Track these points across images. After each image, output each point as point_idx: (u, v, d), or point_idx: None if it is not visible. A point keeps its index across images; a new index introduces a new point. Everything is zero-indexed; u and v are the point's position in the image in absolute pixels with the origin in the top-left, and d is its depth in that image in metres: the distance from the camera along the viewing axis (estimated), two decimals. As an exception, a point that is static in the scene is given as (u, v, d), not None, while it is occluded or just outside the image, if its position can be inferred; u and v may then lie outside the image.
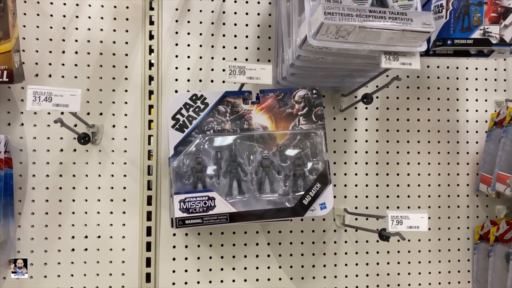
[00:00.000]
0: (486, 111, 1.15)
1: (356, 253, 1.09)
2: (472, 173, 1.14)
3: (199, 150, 0.80)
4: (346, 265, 1.09)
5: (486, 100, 1.15)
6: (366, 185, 1.10)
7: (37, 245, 0.96)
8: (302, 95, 0.85)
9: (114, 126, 1.00)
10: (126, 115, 1.00)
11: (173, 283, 1.01)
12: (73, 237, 0.98)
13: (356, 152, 1.10)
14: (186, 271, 1.02)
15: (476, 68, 1.15)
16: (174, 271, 1.01)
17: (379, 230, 0.88)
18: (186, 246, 1.02)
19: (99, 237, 0.99)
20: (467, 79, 1.15)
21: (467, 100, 1.15)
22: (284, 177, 0.82)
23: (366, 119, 1.10)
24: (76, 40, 0.99)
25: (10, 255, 0.90)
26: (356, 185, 1.09)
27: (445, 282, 1.13)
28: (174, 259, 1.01)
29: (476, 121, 1.15)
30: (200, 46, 1.04)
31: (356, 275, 1.09)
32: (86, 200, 0.99)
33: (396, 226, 0.78)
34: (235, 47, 1.05)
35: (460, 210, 1.14)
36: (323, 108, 0.86)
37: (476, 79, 1.15)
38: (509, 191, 0.97)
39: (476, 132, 1.14)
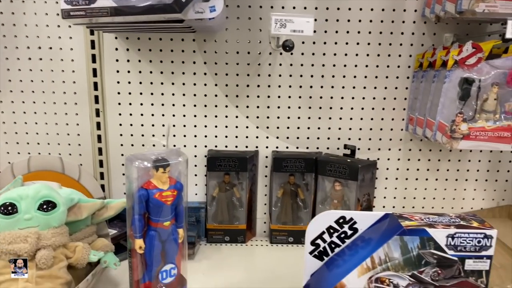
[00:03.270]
0: None
1: (290, 75, 1.14)
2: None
3: None
4: (279, 86, 1.15)
5: None
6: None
7: None
8: None
9: None
10: None
11: (118, 93, 1.14)
12: (28, 47, 1.12)
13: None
14: (129, 82, 1.14)
15: None
16: (118, 82, 1.13)
17: (282, 42, 0.91)
18: (128, 61, 1.12)
19: (50, 48, 1.12)
20: None
21: None
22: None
23: None
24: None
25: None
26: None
27: (379, 107, 1.17)
28: (117, 71, 1.13)
29: None
30: None
31: (289, 96, 1.16)
32: (36, 14, 1.09)
33: (279, 29, 0.81)
34: None
35: (403, 37, 1.12)
36: None
37: None
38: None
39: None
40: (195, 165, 1.20)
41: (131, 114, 1.15)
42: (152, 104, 1.15)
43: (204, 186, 1.19)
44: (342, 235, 0.79)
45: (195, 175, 1.20)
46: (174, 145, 1.15)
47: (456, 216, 0.78)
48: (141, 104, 1.15)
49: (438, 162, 1.21)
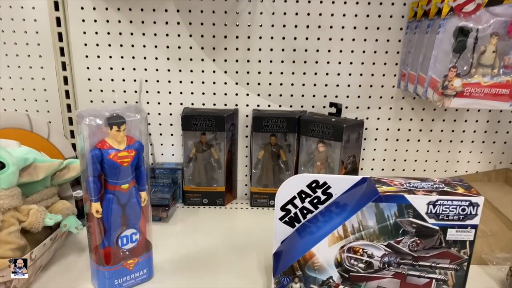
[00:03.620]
0: None
1: (272, 25, 1.04)
2: None
3: None
4: (260, 38, 1.05)
5: None
6: None
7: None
8: None
9: None
10: None
11: (85, 44, 1.05)
12: (-16, -7, 1.02)
13: None
14: (96, 33, 1.04)
15: None
16: (84, 33, 1.04)
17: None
18: (94, 8, 1.02)
19: (8, -6, 1.02)
20: None
21: None
22: None
23: None
24: None
25: None
26: None
27: (369, 62, 1.07)
28: (83, 20, 1.03)
29: None
30: None
31: (271, 49, 1.06)
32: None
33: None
34: None
35: (398, -18, 1.01)
36: None
37: None
38: None
39: None
40: (171, 124, 1.12)
41: (99, 68, 1.07)
42: (122, 57, 1.06)
43: (181, 147, 1.12)
44: (315, 201, 0.72)
45: (171, 134, 1.13)
46: (136, 102, 1.07)
47: (440, 181, 0.70)
48: (110, 57, 1.06)
49: (431, 122, 1.12)
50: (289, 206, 0.73)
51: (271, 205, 1.13)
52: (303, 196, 0.72)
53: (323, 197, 0.72)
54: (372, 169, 1.16)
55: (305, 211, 0.73)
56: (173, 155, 1.15)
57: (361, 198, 0.69)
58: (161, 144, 1.14)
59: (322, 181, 0.71)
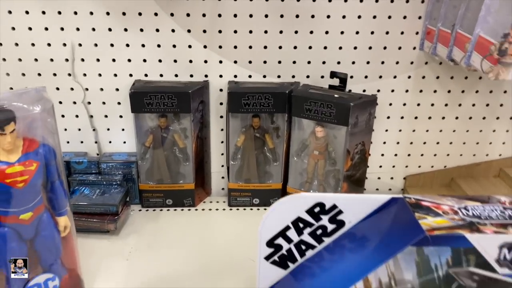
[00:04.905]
0: None
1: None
2: None
3: None
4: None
5: None
6: None
7: None
8: None
9: None
10: None
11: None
12: None
13: None
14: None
15: None
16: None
17: None
18: None
19: None
20: None
21: None
22: None
23: None
24: None
25: None
26: None
27: (383, 15, 0.79)
28: (-19, -41, 0.72)
29: None
30: None
31: (250, -1, 0.77)
32: None
33: None
34: None
35: None
36: None
37: None
38: None
39: None
40: (119, 103, 0.85)
41: (13, 28, 0.77)
42: (44, 13, 0.76)
43: (134, 132, 0.84)
44: (319, 232, 0.48)
45: (120, 116, 0.86)
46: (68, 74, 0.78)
47: (512, 203, 0.46)
48: (27, 13, 0.76)
49: (461, 94, 0.86)
50: (280, 241, 0.49)
51: (255, 204, 0.89)
52: (301, 226, 0.47)
53: (331, 227, 0.47)
54: (382, 155, 0.92)
55: (303, 247, 0.48)
56: (124, 142, 0.88)
57: (392, 234, 0.44)
58: (108, 129, 0.87)
59: (330, 204, 0.47)
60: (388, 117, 0.88)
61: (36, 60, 0.80)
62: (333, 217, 0.47)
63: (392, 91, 0.86)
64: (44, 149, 0.48)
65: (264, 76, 0.84)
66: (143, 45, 0.80)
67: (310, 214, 0.47)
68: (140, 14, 0.77)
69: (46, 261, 0.53)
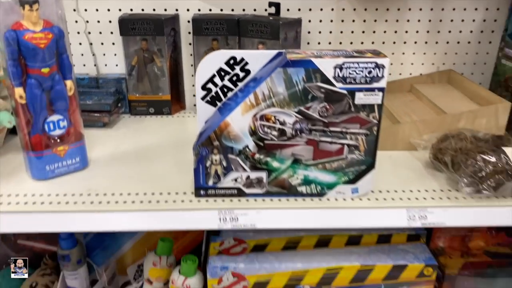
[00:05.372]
0: None
1: None
2: None
3: None
4: None
5: None
6: None
7: None
8: None
9: None
10: None
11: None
12: None
13: None
14: None
15: None
16: None
17: None
18: None
19: None
20: None
21: None
22: None
23: None
24: None
25: None
26: None
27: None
28: None
29: None
30: None
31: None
32: None
33: None
34: None
35: None
36: None
37: None
38: None
39: None
40: (111, 32, 1.11)
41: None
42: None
43: (123, 53, 1.11)
44: (234, 78, 0.73)
45: (113, 43, 1.13)
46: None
47: (353, 50, 0.71)
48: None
49: (374, 23, 1.12)
50: (210, 85, 0.73)
51: (151, 113, 1.13)
52: (223, 74, 0.72)
53: (241, 74, 0.72)
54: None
55: (225, 90, 0.73)
56: (117, 65, 1.15)
57: (271, 66, 0.70)
58: (104, 54, 1.14)
59: (240, 57, 0.71)
60: (319, 43, 1.14)
61: (49, -1, 1.07)
62: (242, 67, 0.72)
63: (320, 21, 1.11)
64: (57, 29, 0.75)
65: (221, 10, 1.10)
66: (127, -15, 1.07)
67: (228, 65, 0.72)
68: (125, -39, 1.04)
69: (58, 108, 0.79)
